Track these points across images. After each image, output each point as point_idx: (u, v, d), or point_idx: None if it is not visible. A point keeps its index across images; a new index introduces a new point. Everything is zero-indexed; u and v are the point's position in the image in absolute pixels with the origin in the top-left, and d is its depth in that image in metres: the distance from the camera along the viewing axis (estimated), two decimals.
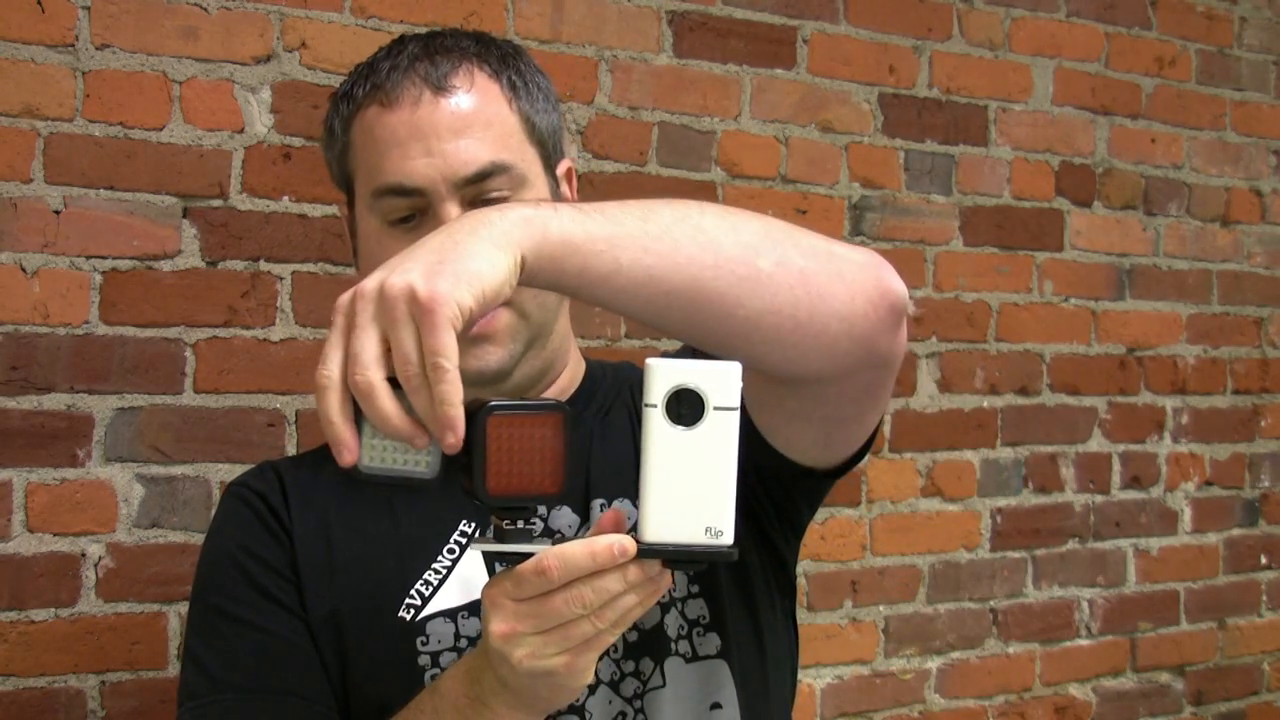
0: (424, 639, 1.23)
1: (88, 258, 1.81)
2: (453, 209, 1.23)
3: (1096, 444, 2.73)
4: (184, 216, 1.87)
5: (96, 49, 1.81)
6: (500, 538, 1.00)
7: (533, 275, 0.99)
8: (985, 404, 2.58)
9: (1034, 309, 2.64)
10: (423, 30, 2.02)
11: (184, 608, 1.85)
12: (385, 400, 0.92)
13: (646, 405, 0.97)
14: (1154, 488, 2.81)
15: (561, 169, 1.35)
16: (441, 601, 1.24)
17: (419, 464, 0.98)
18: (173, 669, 1.85)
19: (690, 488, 0.96)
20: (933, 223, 2.51)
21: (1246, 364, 2.96)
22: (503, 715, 1.04)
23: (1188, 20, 2.84)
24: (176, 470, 1.86)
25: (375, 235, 1.27)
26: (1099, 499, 2.73)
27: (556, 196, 1.32)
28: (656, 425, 0.96)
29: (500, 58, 1.30)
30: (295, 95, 1.94)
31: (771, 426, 1.21)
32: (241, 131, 1.90)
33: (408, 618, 1.24)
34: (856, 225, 2.43)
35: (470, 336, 1.22)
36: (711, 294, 1.04)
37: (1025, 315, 2.63)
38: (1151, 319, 2.80)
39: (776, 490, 1.29)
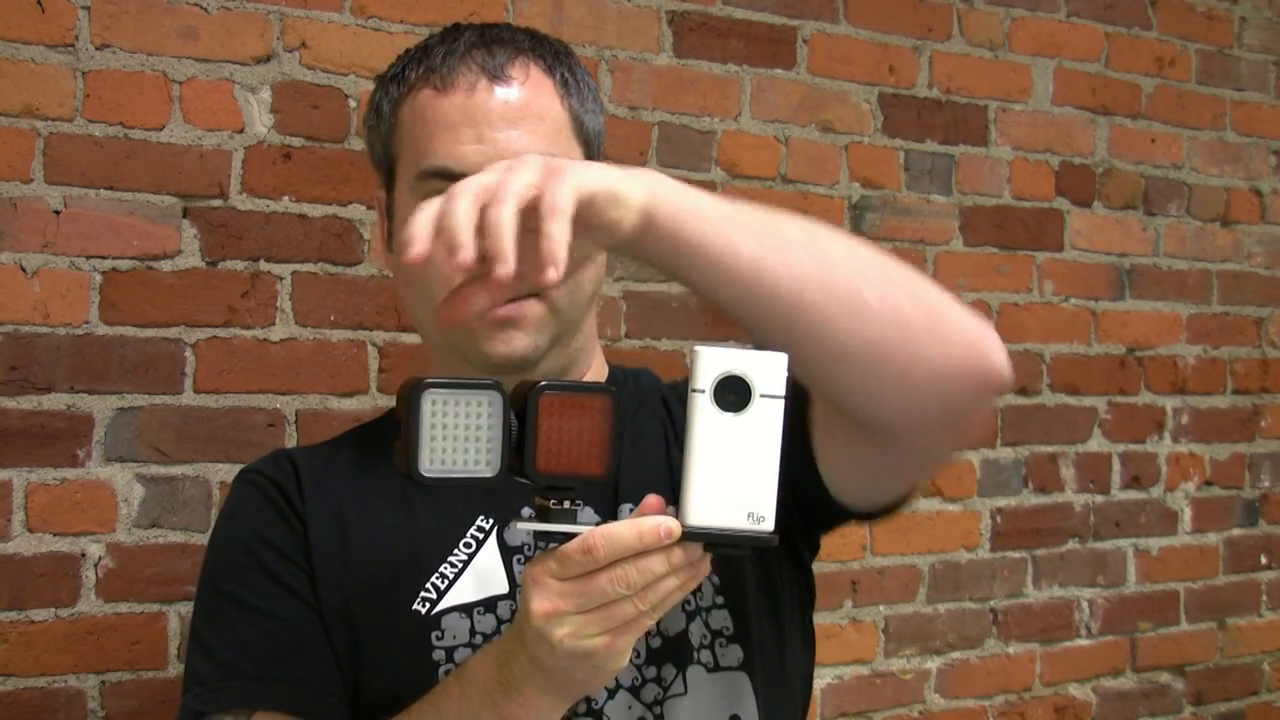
0: (439, 634, 1.23)
1: (88, 258, 1.81)
2: None
3: (1096, 444, 2.73)
4: (184, 216, 1.87)
5: (96, 49, 1.81)
6: (544, 517, 1.01)
7: (649, 232, 1.01)
8: None
9: (1034, 309, 2.64)
10: (424, 30, 2.03)
11: (184, 608, 1.85)
12: (464, 207, 0.96)
13: (694, 390, 0.98)
14: (1154, 488, 2.81)
15: None
16: (456, 596, 1.24)
17: (479, 463, 0.98)
18: (173, 669, 1.85)
19: (734, 473, 0.98)
20: (933, 223, 2.51)
21: (1246, 364, 2.96)
22: (533, 699, 1.04)
23: (1188, 20, 2.84)
24: (176, 470, 1.86)
25: None
26: (1099, 499, 2.73)
27: None
28: (703, 410, 0.98)
29: (554, 54, 1.31)
30: (295, 95, 1.94)
31: (828, 458, 1.22)
32: (241, 131, 1.90)
33: (423, 611, 1.23)
34: (856, 225, 2.43)
35: (498, 319, 1.23)
36: (809, 304, 1.04)
37: (1025, 315, 2.63)
38: (1151, 319, 2.80)
39: (809, 513, 1.29)
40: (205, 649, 1.27)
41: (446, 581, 1.25)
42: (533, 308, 1.24)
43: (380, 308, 1.99)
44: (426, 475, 0.97)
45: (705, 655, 1.26)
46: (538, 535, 1.01)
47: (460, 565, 1.25)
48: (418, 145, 1.26)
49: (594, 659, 0.99)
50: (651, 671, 1.24)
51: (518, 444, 0.99)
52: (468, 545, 1.26)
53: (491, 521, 1.27)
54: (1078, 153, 2.70)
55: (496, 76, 1.25)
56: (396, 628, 1.23)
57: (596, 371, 1.38)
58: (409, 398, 0.98)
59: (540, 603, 0.99)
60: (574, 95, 1.30)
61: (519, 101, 1.25)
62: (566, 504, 1.00)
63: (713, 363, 0.98)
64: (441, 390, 0.98)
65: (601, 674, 1.03)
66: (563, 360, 1.30)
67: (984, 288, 2.58)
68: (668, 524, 0.97)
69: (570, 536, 0.98)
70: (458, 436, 0.99)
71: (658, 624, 1.23)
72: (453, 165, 1.23)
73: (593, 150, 1.33)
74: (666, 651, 1.24)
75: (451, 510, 1.27)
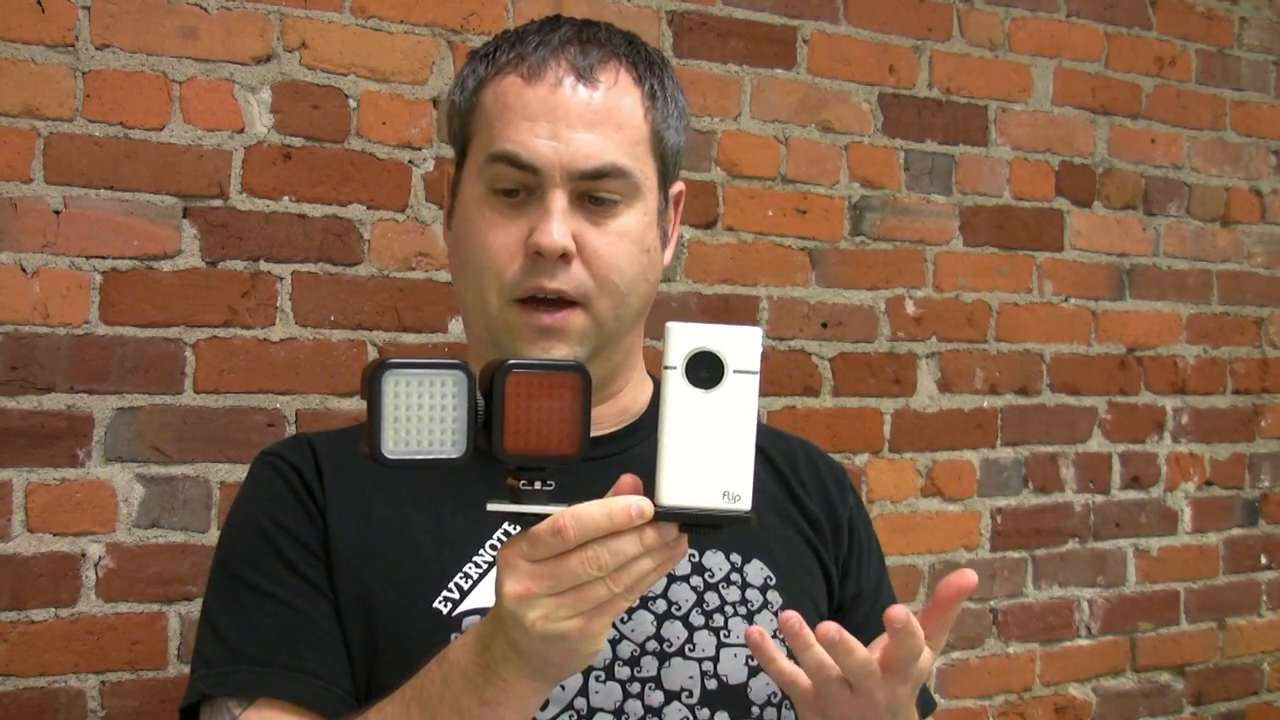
0: (459, 635, 1.21)
1: (88, 258, 1.81)
2: (561, 198, 1.23)
3: (1096, 444, 2.73)
4: (184, 216, 1.87)
5: (96, 49, 1.81)
6: (515, 498, 1.00)
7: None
8: (985, 404, 2.58)
9: (1034, 309, 2.64)
10: (424, 31, 2.03)
11: (184, 608, 1.85)
12: None
13: (666, 367, 0.97)
14: (1154, 488, 2.81)
15: (674, 190, 1.35)
16: (479, 598, 1.23)
17: (445, 444, 0.97)
18: (173, 669, 1.85)
19: (708, 451, 0.96)
20: (933, 223, 2.51)
21: (1246, 364, 2.96)
22: (513, 683, 1.03)
23: (1188, 20, 2.84)
24: (176, 470, 1.86)
25: (477, 202, 1.27)
26: (1099, 499, 2.73)
27: (664, 215, 1.33)
28: (675, 387, 0.97)
29: (647, 64, 1.30)
30: (295, 95, 1.94)
31: None
32: (241, 131, 1.90)
33: (444, 610, 1.23)
34: (856, 225, 2.43)
35: (542, 328, 1.24)
36: None
37: (1025, 315, 2.63)
38: (1151, 319, 2.80)
39: None
40: (214, 629, 1.27)
41: (470, 582, 1.24)
42: (576, 319, 1.25)
43: (380, 308, 1.99)
44: (390, 457, 0.96)
45: (770, 713, 1.26)
46: (511, 517, 1.00)
47: (485, 567, 1.24)
48: (493, 128, 1.26)
49: (568, 641, 0.98)
50: (704, 714, 1.24)
51: (486, 424, 0.98)
52: (494, 547, 1.25)
53: (520, 526, 1.26)
54: (1078, 153, 2.70)
55: (584, 76, 1.25)
56: (415, 624, 1.23)
57: (636, 387, 1.38)
58: (371, 378, 0.97)
59: (512, 585, 0.98)
60: (659, 109, 1.29)
61: (601, 105, 1.25)
62: (538, 484, 0.99)
63: (684, 338, 0.97)
64: (404, 371, 0.97)
65: (578, 657, 1.02)
66: (602, 374, 1.29)
67: (984, 288, 2.58)
68: (639, 504, 0.96)
69: (543, 518, 0.97)
70: (422, 417, 0.98)
71: (714, 668, 1.24)
72: (523, 154, 1.23)
73: (668, 167, 1.32)
74: (721, 700, 1.24)
75: (480, 510, 1.26)
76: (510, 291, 1.25)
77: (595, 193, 1.24)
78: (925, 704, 1.43)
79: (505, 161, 1.24)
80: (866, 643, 1.37)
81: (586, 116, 1.24)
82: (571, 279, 1.24)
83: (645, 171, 1.28)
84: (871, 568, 1.43)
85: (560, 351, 1.24)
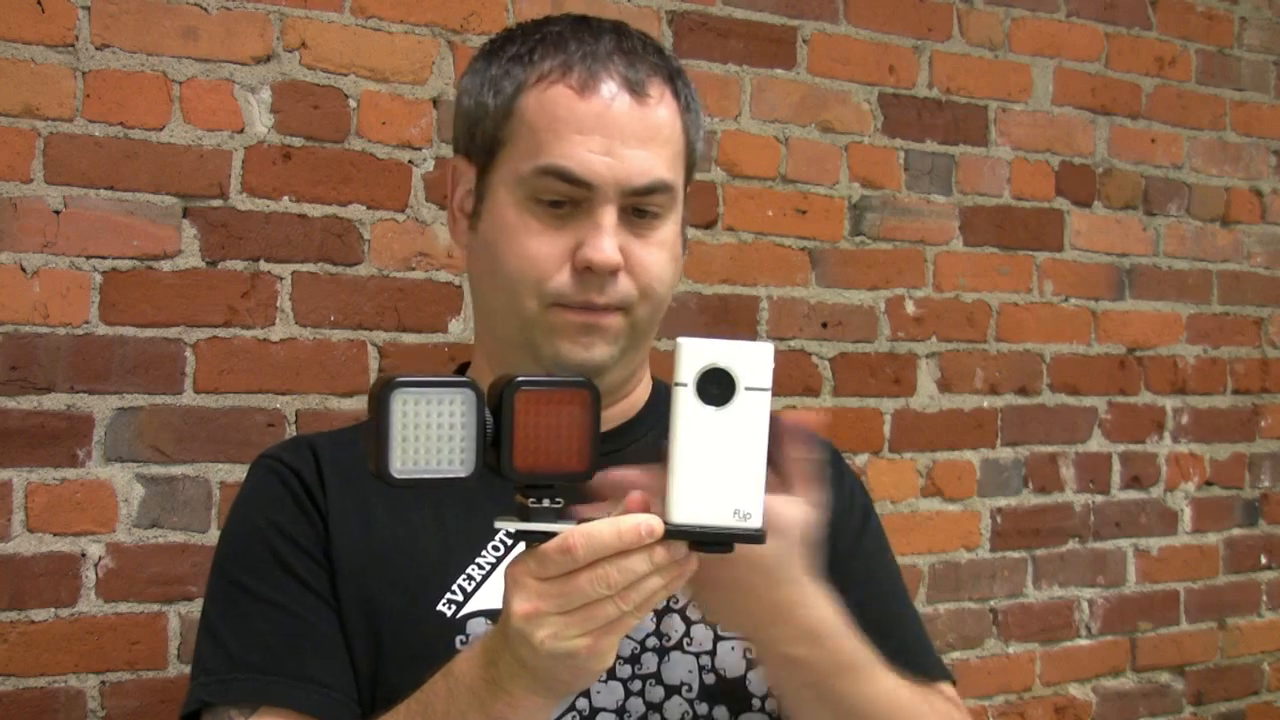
0: (464, 637, 1.22)
1: (88, 258, 1.81)
2: (611, 213, 1.22)
3: (1096, 444, 2.73)
4: (184, 216, 1.87)
5: (96, 49, 1.81)
6: (524, 516, 0.99)
7: None
8: (985, 404, 2.58)
9: (1034, 309, 2.64)
10: (424, 31, 2.03)
11: (184, 608, 1.85)
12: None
13: (676, 384, 0.96)
14: (1154, 488, 2.81)
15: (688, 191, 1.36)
16: (483, 600, 1.23)
17: (453, 462, 0.97)
18: (173, 669, 1.85)
19: (719, 468, 0.96)
20: (933, 223, 2.51)
21: (1246, 364, 2.96)
22: (520, 698, 1.03)
23: (1188, 20, 2.84)
24: (176, 470, 1.86)
25: (516, 209, 1.25)
26: (1099, 499, 2.73)
27: (683, 216, 1.33)
28: (686, 404, 0.96)
29: (678, 73, 1.30)
30: (295, 95, 1.94)
31: None
32: (241, 131, 1.90)
33: (448, 613, 1.23)
34: (856, 225, 2.43)
35: (581, 324, 1.23)
36: None
37: (1025, 315, 2.63)
38: (1151, 319, 2.80)
39: None
40: (214, 637, 1.26)
41: (474, 584, 1.24)
42: (617, 320, 1.25)
43: (380, 308, 1.99)
44: (398, 477, 0.96)
45: (770, 705, 1.25)
46: (519, 534, 0.99)
47: (489, 568, 1.24)
48: (541, 140, 1.23)
49: (577, 659, 0.98)
50: (703, 708, 1.24)
51: (494, 441, 0.97)
52: (496, 549, 1.25)
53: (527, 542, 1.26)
54: (1078, 153, 2.70)
55: (637, 92, 1.24)
56: (419, 627, 1.22)
57: (644, 384, 1.39)
58: (379, 397, 0.96)
59: (520, 603, 0.98)
60: (690, 119, 1.30)
61: (654, 121, 1.24)
62: (546, 502, 0.99)
63: (695, 355, 0.96)
64: (412, 389, 0.97)
65: (586, 674, 1.02)
66: (624, 374, 1.31)
67: (984, 288, 2.58)
68: (649, 522, 0.95)
69: (552, 535, 0.97)
70: (430, 436, 0.97)
71: (712, 661, 1.24)
72: (576, 170, 1.22)
73: (691, 173, 1.32)
74: (720, 693, 1.23)
75: (482, 511, 1.24)
76: (552, 298, 1.24)
77: (641, 206, 1.24)
78: (930, 669, 1.39)
79: (556, 175, 1.22)
80: (857, 598, 1.34)
81: (640, 133, 1.23)
82: (619, 291, 1.24)
83: (679, 182, 1.28)
84: (845, 535, 1.40)
85: (600, 350, 1.24)
